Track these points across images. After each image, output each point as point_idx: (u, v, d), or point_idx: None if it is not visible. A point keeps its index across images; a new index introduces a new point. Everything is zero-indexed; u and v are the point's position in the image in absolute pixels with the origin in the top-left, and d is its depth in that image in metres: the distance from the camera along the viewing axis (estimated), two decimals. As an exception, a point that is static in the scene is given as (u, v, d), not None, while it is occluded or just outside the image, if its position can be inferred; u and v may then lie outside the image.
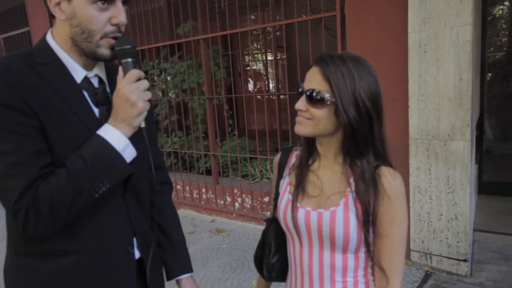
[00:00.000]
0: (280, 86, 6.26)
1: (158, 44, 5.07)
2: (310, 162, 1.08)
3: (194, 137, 5.15)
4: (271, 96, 5.45)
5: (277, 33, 5.38)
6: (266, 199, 4.23)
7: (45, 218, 0.88)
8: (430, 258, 3.05)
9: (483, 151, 4.45)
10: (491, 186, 4.39)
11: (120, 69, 0.97)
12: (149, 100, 0.97)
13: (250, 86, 6.49)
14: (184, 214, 4.86)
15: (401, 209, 0.95)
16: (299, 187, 1.05)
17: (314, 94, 0.93)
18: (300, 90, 0.99)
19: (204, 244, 3.99)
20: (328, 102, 0.93)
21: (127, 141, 0.95)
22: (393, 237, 0.95)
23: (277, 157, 1.21)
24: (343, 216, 0.96)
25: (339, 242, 0.98)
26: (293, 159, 1.15)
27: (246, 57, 6.47)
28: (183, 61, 5.08)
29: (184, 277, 1.28)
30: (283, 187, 1.12)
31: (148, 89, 0.97)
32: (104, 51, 0.97)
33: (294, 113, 1.00)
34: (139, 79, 0.95)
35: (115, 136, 0.93)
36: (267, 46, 5.82)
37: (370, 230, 0.97)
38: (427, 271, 3.05)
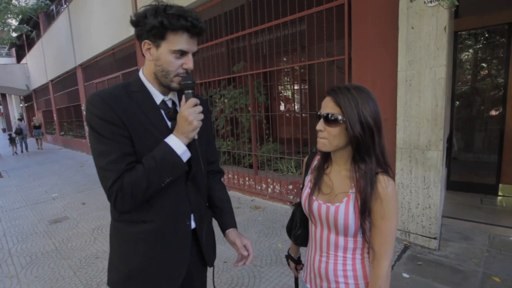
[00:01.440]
0: (302, 107, 6.19)
1: (220, 77, 5.14)
2: (325, 167, 1.04)
3: (242, 142, 5.17)
4: (295, 115, 5.40)
5: (301, 70, 5.32)
6: (290, 186, 4.16)
7: (128, 199, 0.90)
8: (409, 235, 2.89)
9: (451, 158, 4.19)
10: (457, 184, 4.11)
11: (183, 97, 0.97)
12: (202, 120, 0.95)
13: (281, 107, 6.44)
14: (233, 194, 4.87)
15: (391, 209, 0.88)
16: (316, 186, 1.02)
17: (329, 116, 0.90)
18: (318, 114, 0.95)
19: (246, 216, 3.98)
20: (340, 121, 0.89)
21: (185, 148, 0.94)
22: (383, 229, 0.89)
23: (306, 159, 1.17)
24: (344, 211, 0.92)
25: (341, 229, 0.94)
26: (315, 161, 1.10)
27: (279, 87, 6.44)
28: (236, 89, 5.12)
29: (230, 229, 1.20)
30: (306, 182, 1.09)
31: (202, 113, 0.95)
32: (175, 85, 0.98)
33: (312, 127, 0.98)
34: (195, 105, 0.94)
35: (177, 144, 0.93)
36: (294, 79, 5.77)
37: (367, 220, 0.91)
38: (406, 244, 2.88)
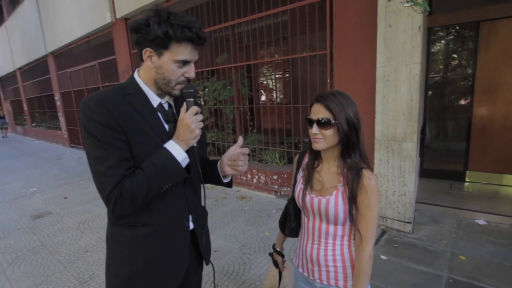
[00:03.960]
0: (285, 99, 6.30)
1: (203, 69, 5.14)
2: (315, 165, 1.16)
3: (226, 133, 5.24)
4: (279, 106, 5.50)
5: (284, 62, 5.39)
6: (275, 177, 4.31)
7: (127, 204, 0.90)
8: (386, 220, 3.13)
9: (424, 147, 4.48)
10: (429, 171, 4.43)
11: (184, 104, 0.98)
12: (202, 128, 0.97)
13: (264, 98, 6.52)
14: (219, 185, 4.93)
15: (374, 199, 1.01)
16: (308, 182, 1.14)
17: (323, 120, 1.02)
18: (310, 120, 1.06)
19: (233, 206, 4.09)
20: (332, 123, 1.01)
21: (185, 155, 0.97)
22: (367, 217, 1.02)
23: (296, 157, 1.29)
24: (334, 202, 1.05)
25: (331, 218, 1.07)
26: (306, 159, 1.22)
27: (262, 78, 6.49)
28: (219, 81, 5.15)
29: (218, 163, 1.19)
30: (298, 178, 1.21)
31: (202, 121, 0.97)
32: (176, 93, 1.00)
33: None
34: (197, 113, 0.96)
35: (177, 151, 0.95)
36: (277, 70, 5.84)
37: (354, 208, 1.04)
38: (383, 229, 3.13)
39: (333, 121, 1.01)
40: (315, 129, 1.04)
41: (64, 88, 9.78)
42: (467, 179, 4.18)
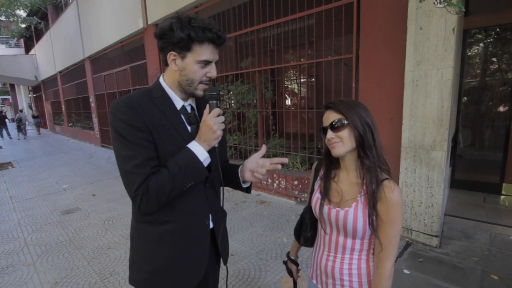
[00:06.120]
0: (309, 103, 6.20)
1: (228, 73, 5.19)
2: (332, 175, 1.10)
3: (248, 136, 5.23)
4: (302, 110, 5.42)
5: (309, 65, 5.31)
6: (296, 182, 4.23)
7: (153, 201, 0.95)
8: (411, 232, 2.95)
9: (456, 156, 4.21)
10: (461, 182, 4.14)
11: (207, 106, 1.02)
12: (223, 130, 1.01)
13: (288, 102, 6.46)
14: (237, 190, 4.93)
15: (396, 213, 0.94)
16: (326, 195, 1.08)
17: (336, 123, 0.99)
18: (323, 128, 1.03)
19: (252, 210, 4.05)
20: (345, 123, 0.97)
21: (207, 155, 1.00)
22: (388, 232, 0.95)
23: (314, 164, 1.24)
24: (353, 215, 0.99)
25: (349, 231, 1.01)
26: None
27: (286, 82, 6.44)
28: (244, 85, 5.16)
29: (240, 168, 1.19)
30: (316, 187, 1.16)
31: (223, 122, 1.01)
32: (199, 93, 1.04)
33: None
34: (219, 115, 1.00)
35: (200, 151, 0.99)
36: (301, 74, 5.77)
37: (374, 219, 0.96)
38: (408, 241, 2.95)
39: (346, 121, 0.97)
40: (329, 134, 1.00)
41: (99, 90, 10.28)
42: (503, 192, 3.86)
